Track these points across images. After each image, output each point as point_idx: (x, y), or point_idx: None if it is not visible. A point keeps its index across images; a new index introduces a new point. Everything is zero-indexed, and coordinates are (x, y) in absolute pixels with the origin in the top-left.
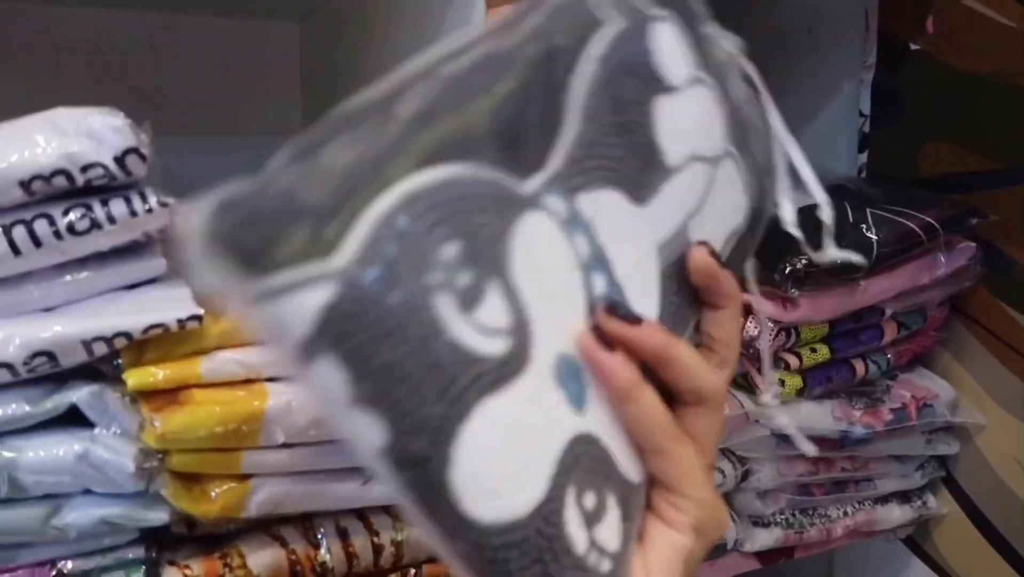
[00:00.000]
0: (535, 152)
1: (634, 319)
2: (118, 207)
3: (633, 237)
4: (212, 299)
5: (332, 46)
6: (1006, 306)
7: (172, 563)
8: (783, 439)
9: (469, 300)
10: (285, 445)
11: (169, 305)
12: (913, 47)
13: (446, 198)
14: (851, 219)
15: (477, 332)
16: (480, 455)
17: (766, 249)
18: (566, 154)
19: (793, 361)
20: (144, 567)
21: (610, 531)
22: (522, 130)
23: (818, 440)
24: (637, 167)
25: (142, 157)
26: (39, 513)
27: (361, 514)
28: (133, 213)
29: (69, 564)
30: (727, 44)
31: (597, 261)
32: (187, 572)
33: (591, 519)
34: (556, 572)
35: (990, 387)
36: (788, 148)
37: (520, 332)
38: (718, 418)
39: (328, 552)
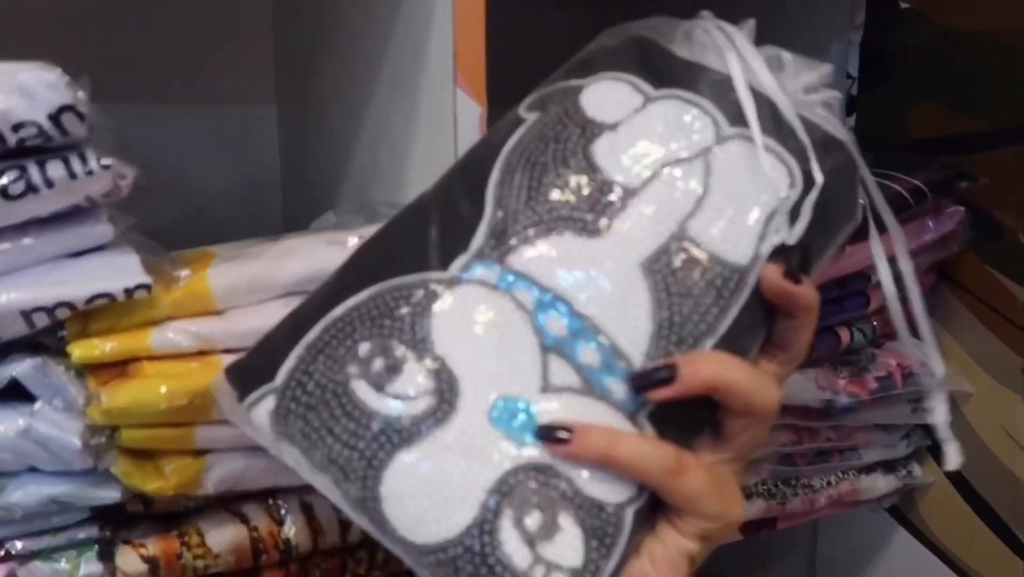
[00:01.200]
0: (458, 242)
1: (667, 378)
2: (56, 169)
3: (597, 268)
4: (163, 267)
5: (306, 10)
6: (995, 272)
7: (127, 542)
8: None
9: (383, 379)
10: None
11: (115, 273)
12: (903, 6)
13: (357, 315)
14: None
15: (394, 400)
16: (402, 493)
17: None
18: (484, 233)
19: None
20: (97, 547)
21: (565, 548)
22: (444, 231)
23: (802, 410)
24: (580, 207)
25: (80, 116)
26: None
27: None
28: (72, 176)
29: (18, 544)
30: (720, 30)
31: (546, 305)
32: (143, 552)
33: (535, 537)
34: None
35: (978, 355)
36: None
37: (443, 390)
38: (766, 427)
39: (292, 528)
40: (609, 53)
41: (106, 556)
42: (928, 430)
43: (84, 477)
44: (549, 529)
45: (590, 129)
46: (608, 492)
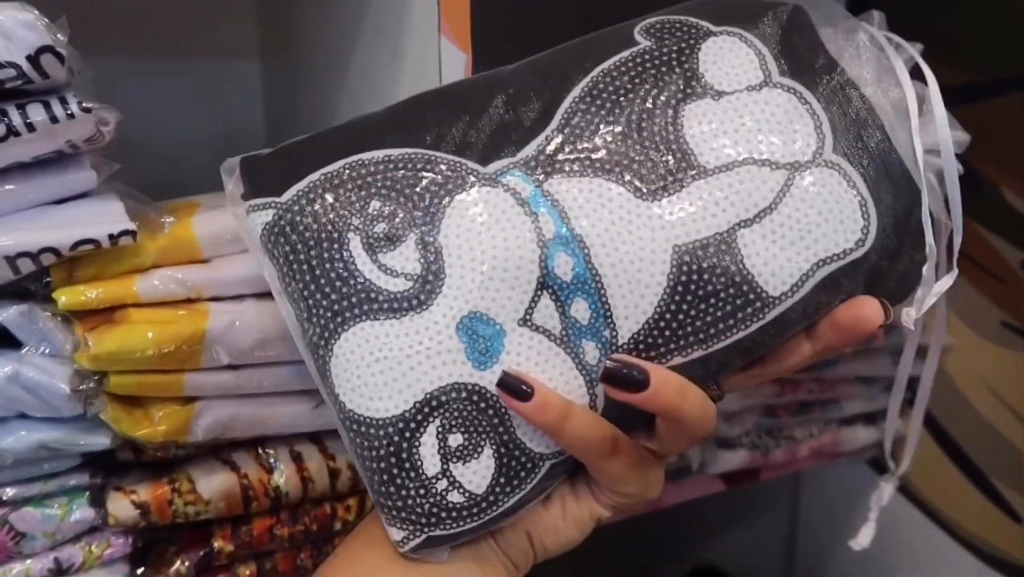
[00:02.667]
0: (511, 145)
1: (639, 384)
2: (36, 112)
3: (631, 231)
4: (148, 215)
5: None
6: (978, 226)
7: (118, 489)
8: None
9: (379, 244)
10: (230, 367)
11: (100, 220)
12: None
13: (384, 168)
14: None
15: (379, 270)
16: (351, 359)
17: None
18: (539, 145)
19: None
20: (88, 493)
21: (475, 474)
22: (503, 127)
23: None
24: (646, 163)
25: (59, 57)
26: None
27: (315, 437)
28: (53, 119)
29: (9, 491)
30: (864, 37)
31: (564, 242)
32: (134, 497)
33: (452, 455)
34: (398, 476)
35: (958, 307)
36: (945, 165)
37: (427, 281)
38: (695, 442)
39: (282, 476)
40: (758, 6)
41: (97, 502)
42: (909, 383)
43: (74, 423)
44: (468, 453)
45: (694, 86)
46: (536, 442)
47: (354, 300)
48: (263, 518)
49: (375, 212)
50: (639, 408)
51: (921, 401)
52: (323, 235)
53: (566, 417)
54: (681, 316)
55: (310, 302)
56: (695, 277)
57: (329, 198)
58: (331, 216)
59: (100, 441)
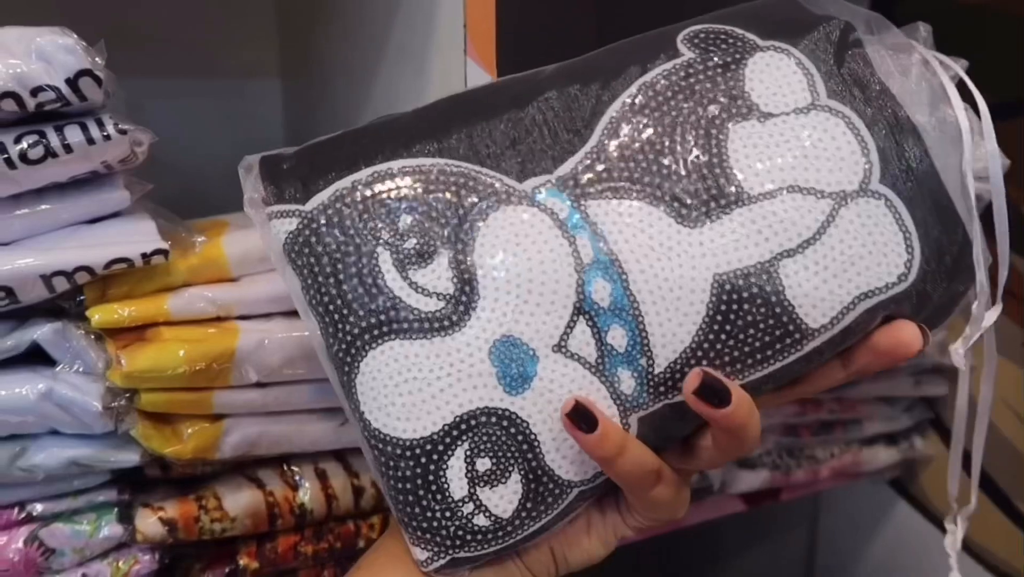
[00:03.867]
0: (548, 160)
1: (724, 399)
2: (74, 134)
3: (671, 257)
4: (178, 233)
5: None
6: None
7: (146, 505)
8: None
9: (411, 260)
10: (258, 385)
11: (133, 239)
12: None
13: (415, 180)
14: None
15: (410, 288)
16: (378, 377)
17: None
18: (578, 163)
19: None
20: (117, 509)
21: (501, 499)
22: (540, 141)
23: None
24: (689, 188)
25: (97, 80)
26: (4, 454)
27: (340, 455)
28: (90, 141)
29: (39, 506)
30: (941, 74)
31: (602, 267)
32: (161, 514)
33: (479, 479)
34: (424, 499)
35: None
36: (995, 196)
37: (460, 302)
38: (729, 460)
39: (307, 494)
40: (807, 20)
41: (125, 518)
42: (930, 403)
43: (104, 440)
44: (495, 478)
45: (739, 105)
46: (566, 469)
47: (383, 317)
48: (288, 535)
49: (406, 226)
50: (681, 426)
51: (980, 433)
52: (351, 248)
53: (622, 451)
54: (719, 346)
55: (336, 317)
56: (735, 307)
57: (357, 209)
58: (359, 228)
59: (130, 458)
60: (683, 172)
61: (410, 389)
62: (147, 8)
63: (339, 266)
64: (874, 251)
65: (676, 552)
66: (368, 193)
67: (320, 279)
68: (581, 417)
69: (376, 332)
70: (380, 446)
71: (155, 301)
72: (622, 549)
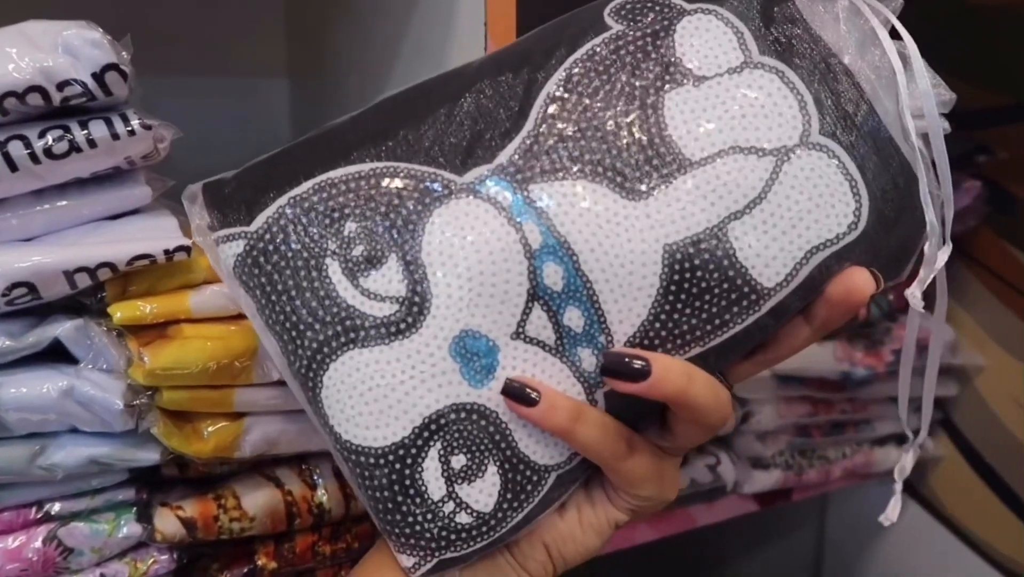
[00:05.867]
0: (486, 149)
1: (640, 373)
2: (98, 129)
3: (619, 233)
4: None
5: None
6: (1010, 246)
7: (164, 504)
8: (783, 380)
9: (360, 267)
10: (280, 383)
11: (155, 235)
12: None
13: (355, 186)
14: None
15: (362, 295)
16: (342, 388)
17: None
18: (517, 148)
19: None
20: (135, 508)
21: (481, 494)
22: (475, 131)
23: (818, 381)
24: (628, 160)
25: (123, 75)
26: (24, 452)
27: None
28: (115, 136)
29: (57, 505)
30: (871, 17)
31: (551, 250)
32: (180, 513)
33: (456, 477)
34: (403, 504)
35: (992, 328)
36: (933, 139)
37: (413, 303)
38: (711, 433)
39: (325, 493)
40: None
41: (144, 518)
42: (941, 404)
43: (124, 438)
44: (472, 473)
45: (672, 73)
46: (540, 454)
47: (339, 329)
48: (305, 535)
49: (351, 234)
50: (647, 400)
51: (932, 372)
52: (299, 263)
53: (577, 418)
54: (676, 315)
55: (293, 334)
56: (688, 275)
57: (301, 223)
58: (305, 242)
59: (150, 456)
60: (623, 145)
61: (375, 397)
62: (156, 6)
63: (290, 283)
64: (821, 203)
65: (683, 553)
66: (309, 206)
67: (273, 297)
68: (517, 395)
69: (334, 344)
70: (353, 457)
71: (177, 298)
72: (630, 550)
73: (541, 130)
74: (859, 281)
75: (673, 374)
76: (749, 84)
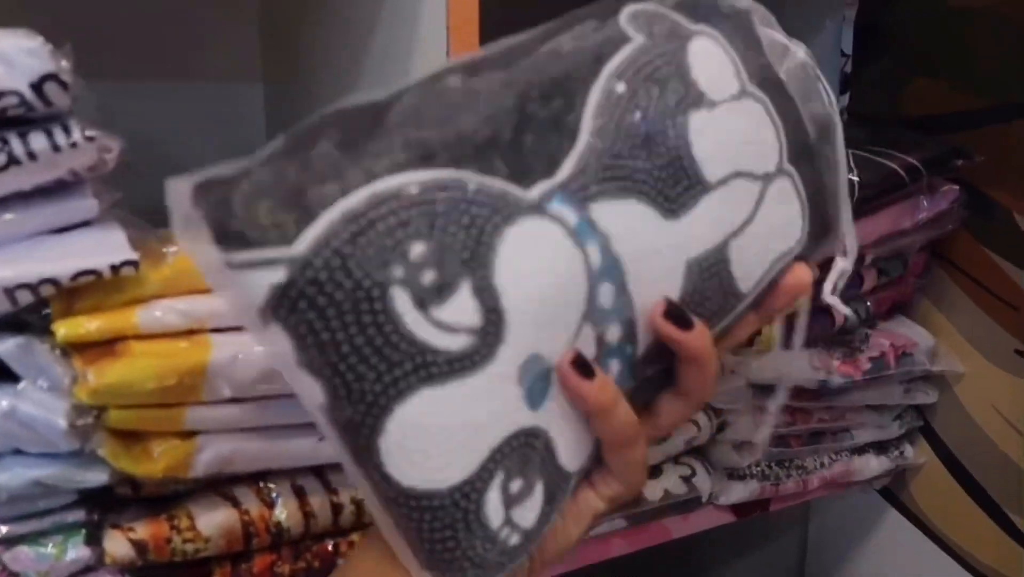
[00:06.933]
0: (544, 162)
1: (688, 321)
2: (38, 141)
3: (659, 251)
4: (150, 243)
5: None
6: (989, 251)
7: (115, 526)
8: (760, 390)
9: (431, 297)
10: (233, 400)
11: (101, 250)
12: None
13: (420, 200)
14: None
15: (434, 328)
16: (411, 433)
17: None
18: (576, 164)
19: None
20: (85, 531)
21: (528, 511)
22: (531, 141)
23: (796, 390)
24: (667, 180)
25: (63, 85)
26: None
27: (318, 472)
28: (56, 148)
29: (3, 528)
30: (800, 53)
31: (608, 272)
32: (131, 535)
33: (512, 501)
34: (465, 539)
35: (970, 335)
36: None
37: (488, 332)
38: (690, 415)
39: (283, 512)
40: (725, 8)
41: (94, 540)
42: (920, 411)
43: (70, 459)
44: (525, 495)
45: (691, 93)
46: (570, 461)
47: (408, 368)
48: (264, 555)
49: (420, 258)
50: (653, 388)
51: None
52: (360, 294)
53: (617, 400)
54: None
55: (349, 377)
56: (698, 285)
57: (360, 245)
58: (368, 269)
59: (98, 477)
60: (662, 164)
61: (447, 436)
62: (130, 11)
63: (348, 318)
64: (785, 222)
65: (664, 561)
66: (368, 222)
67: (324, 337)
68: (582, 366)
69: (403, 385)
70: (413, 503)
71: (124, 314)
72: (609, 562)
73: (595, 144)
74: (804, 276)
75: (705, 336)
76: (747, 112)
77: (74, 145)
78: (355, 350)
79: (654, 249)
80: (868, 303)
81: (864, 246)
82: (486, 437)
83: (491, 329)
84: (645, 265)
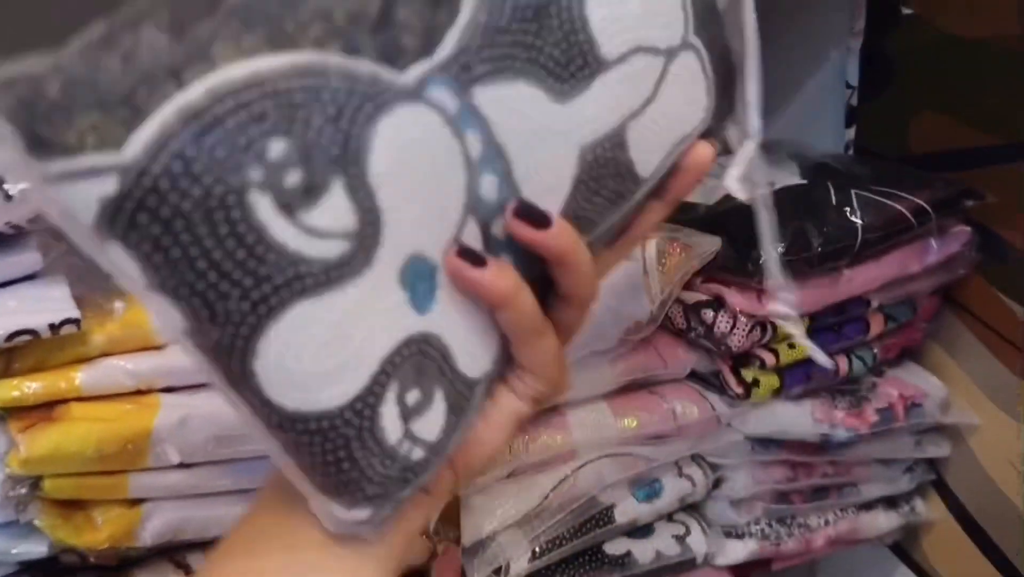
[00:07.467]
0: (420, 39)
1: (543, 219)
2: None
3: (548, 138)
4: (97, 298)
5: None
6: (1002, 296)
7: None
8: (758, 443)
9: (297, 201)
10: (182, 465)
11: (40, 307)
12: (905, 11)
13: (274, 90)
14: (834, 201)
15: (305, 234)
16: (289, 353)
17: (739, 236)
18: (457, 42)
19: (769, 358)
20: None
21: (430, 423)
22: (403, 14)
23: (797, 444)
24: (559, 59)
25: None
26: None
27: None
28: None
29: None
30: None
31: (489, 161)
32: None
33: (411, 413)
34: (362, 458)
35: (984, 383)
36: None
37: (365, 235)
38: (588, 313)
39: None
40: None
41: None
42: (931, 464)
43: (6, 530)
44: (424, 405)
45: None
46: (471, 367)
47: (278, 281)
48: None
49: (280, 157)
50: (540, 254)
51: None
52: (212, 203)
53: (519, 286)
54: (578, 210)
55: (209, 296)
56: (593, 174)
57: (203, 145)
58: (218, 173)
59: (37, 549)
60: (555, 42)
61: (330, 352)
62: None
63: (199, 231)
64: (689, 101)
65: None
66: (213, 120)
67: (175, 254)
68: (470, 256)
69: (273, 301)
70: (299, 427)
71: (65, 375)
72: None
73: (479, 21)
74: (706, 154)
75: (567, 233)
76: None
77: (9, 198)
78: (213, 266)
79: (543, 136)
80: (875, 350)
81: (869, 291)
82: (373, 348)
83: (368, 231)
84: (533, 153)
